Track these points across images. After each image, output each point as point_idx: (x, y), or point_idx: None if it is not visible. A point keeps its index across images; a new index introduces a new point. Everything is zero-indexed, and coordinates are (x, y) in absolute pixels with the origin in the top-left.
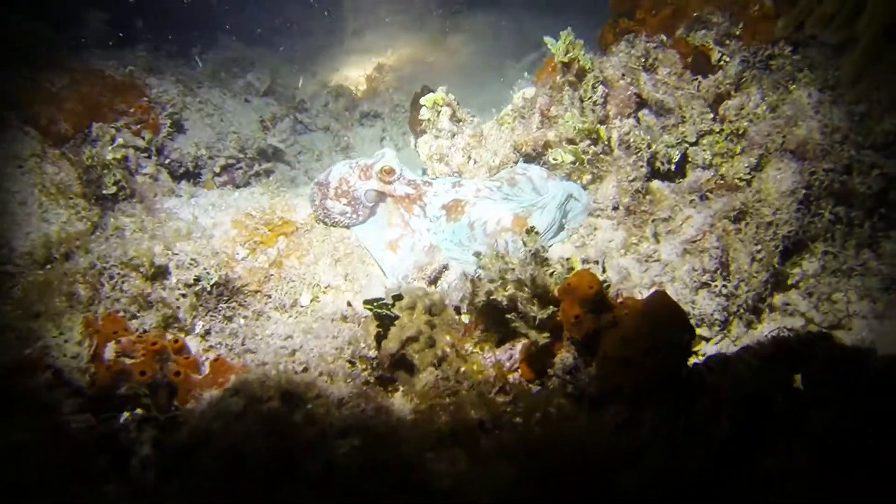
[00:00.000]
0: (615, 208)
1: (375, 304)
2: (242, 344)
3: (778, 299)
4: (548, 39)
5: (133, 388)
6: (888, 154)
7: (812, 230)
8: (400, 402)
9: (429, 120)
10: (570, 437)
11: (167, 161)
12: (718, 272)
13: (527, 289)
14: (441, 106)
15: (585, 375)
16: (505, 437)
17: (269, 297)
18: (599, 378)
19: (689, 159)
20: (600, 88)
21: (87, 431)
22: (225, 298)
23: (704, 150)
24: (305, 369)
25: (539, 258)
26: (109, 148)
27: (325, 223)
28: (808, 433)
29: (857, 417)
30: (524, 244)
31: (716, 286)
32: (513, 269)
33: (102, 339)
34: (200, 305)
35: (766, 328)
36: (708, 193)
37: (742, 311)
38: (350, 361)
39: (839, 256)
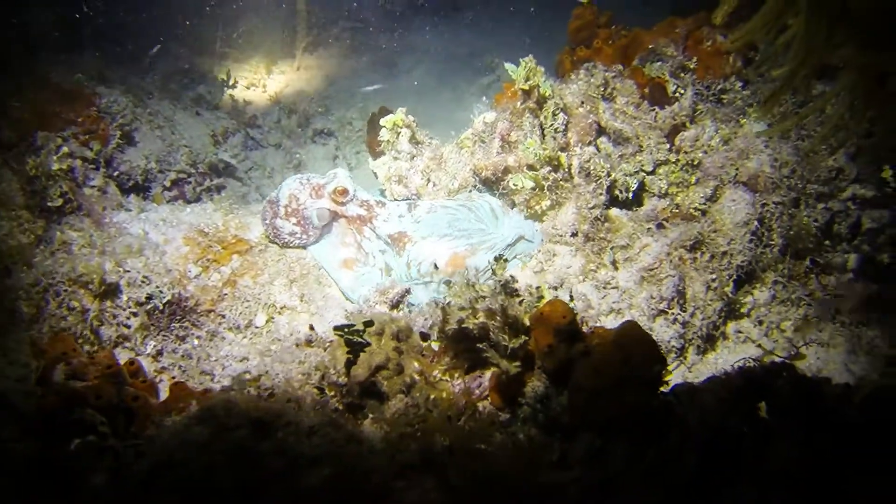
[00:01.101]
0: (574, 234)
1: (346, 330)
2: (197, 365)
3: (731, 327)
4: (508, 66)
5: (89, 415)
6: (832, 188)
7: (763, 260)
8: (370, 429)
9: (388, 141)
10: (542, 466)
11: (116, 174)
12: (675, 300)
13: (498, 318)
14: (401, 127)
15: (557, 405)
16: (474, 466)
17: (223, 316)
18: (571, 408)
19: (646, 188)
20: (561, 116)
21: (32, 458)
22: (178, 318)
23: (661, 180)
24: (271, 394)
25: (508, 288)
26: (55, 157)
27: (277, 244)
28: (770, 469)
29: (817, 449)
30: (493, 272)
31: (672, 314)
32: (484, 298)
33: (51, 360)
34: (152, 325)
35: (720, 355)
36: (664, 222)
37: (697, 338)
38: (318, 388)
39: (788, 286)
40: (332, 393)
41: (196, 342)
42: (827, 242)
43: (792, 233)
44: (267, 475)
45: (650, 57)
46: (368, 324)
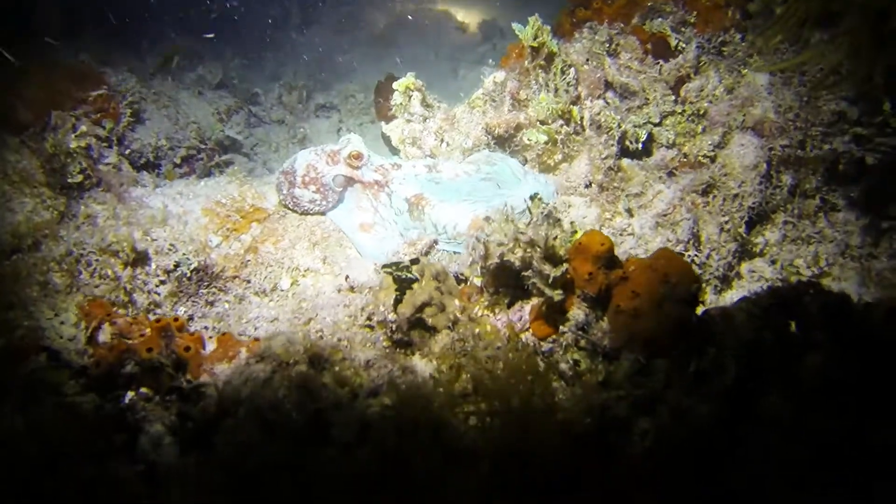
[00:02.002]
0: (587, 185)
1: (394, 267)
2: (229, 328)
3: (745, 267)
4: (515, 26)
5: (151, 360)
6: (836, 131)
7: (773, 201)
8: (420, 363)
9: (400, 105)
10: (589, 387)
11: (127, 151)
12: (691, 242)
13: (539, 248)
14: (412, 91)
15: (598, 330)
16: (525, 392)
17: (248, 282)
18: (612, 331)
19: (655, 139)
20: (571, 71)
21: (95, 412)
22: (205, 284)
23: (668, 131)
24: (321, 337)
25: (552, 218)
26: (73, 136)
27: (296, 212)
28: (803, 378)
29: (846, 358)
30: (530, 212)
31: (688, 256)
32: (525, 232)
33: (96, 321)
34: (181, 291)
35: (736, 294)
36: (674, 171)
37: (713, 278)
38: (368, 326)
39: (798, 225)
40: (382, 330)
41: (226, 306)
42: (834, 181)
43: (800, 173)
44: (332, 404)
45: (650, 14)
46: (414, 261)
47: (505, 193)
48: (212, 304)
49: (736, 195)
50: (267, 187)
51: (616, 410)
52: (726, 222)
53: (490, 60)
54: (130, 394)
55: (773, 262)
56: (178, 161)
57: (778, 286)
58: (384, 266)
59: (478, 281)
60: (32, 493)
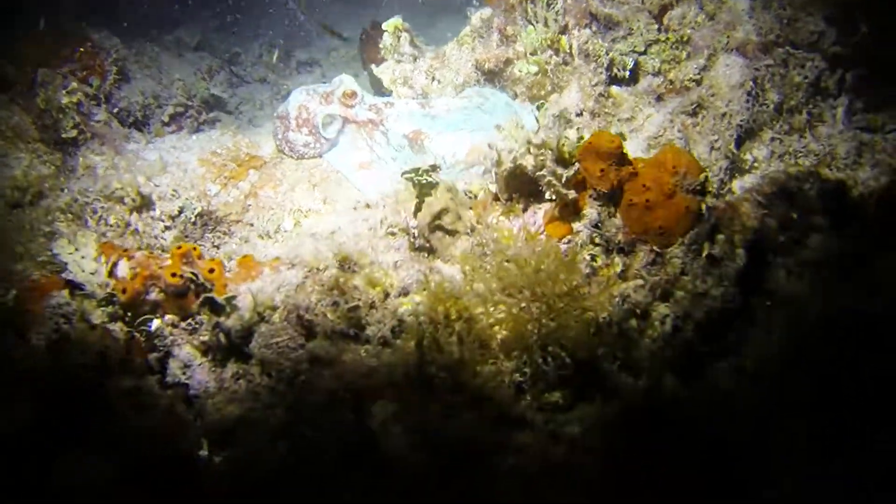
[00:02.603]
0: (579, 114)
1: (414, 172)
2: None
3: (736, 184)
4: None
5: (176, 284)
6: (817, 49)
7: (760, 119)
8: (444, 266)
9: (390, 46)
10: (608, 279)
11: (115, 110)
12: None
13: (551, 151)
14: (401, 31)
15: (611, 226)
16: (550, 287)
17: (252, 225)
18: (626, 224)
19: (641, 67)
20: (559, 1)
21: (129, 335)
22: (210, 228)
23: (653, 59)
24: (344, 245)
25: (563, 119)
26: (63, 92)
27: (292, 157)
28: (806, 258)
29: (843, 238)
30: (536, 120)
31: None
32: (537, 134)
33: (115, 256)
34: (186, 236)
35: None
36: (661, 95)
37: (708, 192)
38: (391, 233)
39: (784, 141)
40: (404, 237)
41: (234, 247)
42: (817, 97)
43: (784, 90)
44: (364, 304)
45: None
46: (433, 167)
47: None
48: (218, 247)
49: (724, 114)
50: (260, 137)
51: (635, 297)
52: (716, 140)
53: (475, 2)
54: (156, 321)
55: (764, 178)
56: (166, 119)
57: (779, 176)
58: (404, 172)
59: (489, 192)
60: (88, 397)
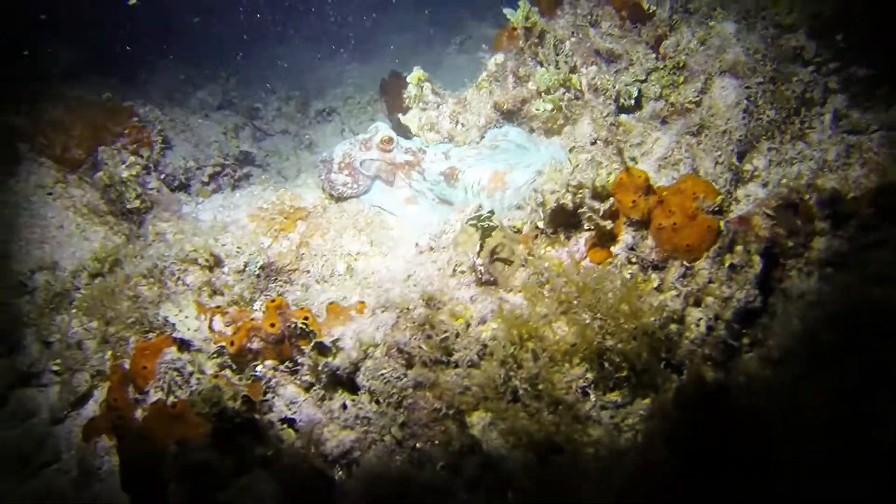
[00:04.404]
0: (593, 143)
1: (479, 219)
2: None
3: (741, 192)
4: (507, 10)
5: (275, 333)
6: (801, 63)
7: (756, 132)
8: (509, 295)
9: (414, 96)
10: (647, 292)
11: (162, 176)
12: None
13: (587, 189)
14: (423, 81)
15: (645, 247)
16: (599, 305)
17: (308, 272)
18: (657, 245)
19: (643, 94)
20: (567, 44)
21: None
22: (272, 279)
23: (654, 85)
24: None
25: (595, 162)
26: (123, 167)
27: (332, 195)
28: (812, 258)
29: (844, 239)
30: (570, 162)
31: None
32: (573, 175)
33: (209, 314)
34: (255, 288)
35: None
36: (666, 118)
37: (723, 211)
38: (460, 272)
39: (780, 150)
40: (471, 275)
41: (298, 294)
42: (804, 107)
43: (776, 104)
44: (452, 335)
45: None
46: (491, 213)
47: (525, 156)
48: (282, 294)
49: (724, 131)
50: (299, 189)
51: (672, 306)
52: (719, 156)
53: (483, 45)
54: (259, 367)
55: (765, 185)
56: (206, 179)
57: (782, 190)
58: (469, 220)
59: (533, 226)
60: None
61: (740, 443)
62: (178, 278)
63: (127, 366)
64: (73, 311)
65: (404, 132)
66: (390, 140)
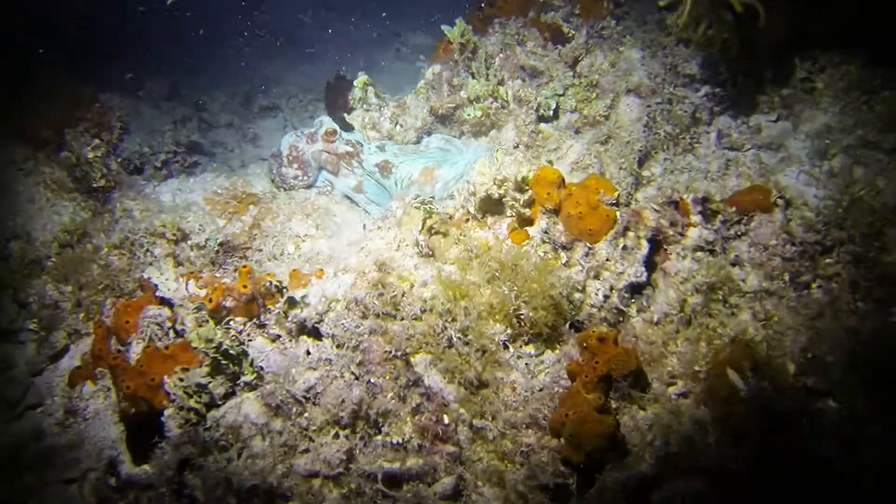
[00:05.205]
0: (516, 146)
1: (422, 203)
2: None
3: (640, 194)
4: (445, 27)
5: (248, 293)
6: (692, 88)
7: (654, 144)
8: (445, 266)
9: (359, 98)
10: (557, 268)
11: (119, 160)
12: None
13: (511, 183)
14: (368, 85)
15: (556, 231)
16: (517, 276)
17: (261, 250)
18: (566, 230)
19: (561, 107)
20: (497, 59)
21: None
22: (229, 254)
23: (570, 99)
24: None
25: (517, 161)
26: (89, 148)
27: (284, 188)
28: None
29: (711, 231)
30: (496, 158)
31: None
32: (501, 171)
33: (185, 278)
34: (212, 261)
35: None
36: (579, 129)
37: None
38: (404, 246)
39: (673, 160)
40: (414, 248)
41: (254, 268)
42: (694, 126)
43: (671, 121)
44: (399, 294)
45: (544, 8)
46: (432, 198)
47: (450, 156)
48: (238, 269)
49: (628, 142)
50: (250, 178)
51: (576, 278)
52: (623, 162)
53: (421, 56)
54: (231, 322)
55: (659, 189)
56: (158, 164)
57: (667, 190)
58: (415, 203)
59: (465, 212)
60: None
61: (622, 371)
62: (147, 250)
63: (108, 321)
64: (45, 277)
65: (348, 130)
66: (334, 132)
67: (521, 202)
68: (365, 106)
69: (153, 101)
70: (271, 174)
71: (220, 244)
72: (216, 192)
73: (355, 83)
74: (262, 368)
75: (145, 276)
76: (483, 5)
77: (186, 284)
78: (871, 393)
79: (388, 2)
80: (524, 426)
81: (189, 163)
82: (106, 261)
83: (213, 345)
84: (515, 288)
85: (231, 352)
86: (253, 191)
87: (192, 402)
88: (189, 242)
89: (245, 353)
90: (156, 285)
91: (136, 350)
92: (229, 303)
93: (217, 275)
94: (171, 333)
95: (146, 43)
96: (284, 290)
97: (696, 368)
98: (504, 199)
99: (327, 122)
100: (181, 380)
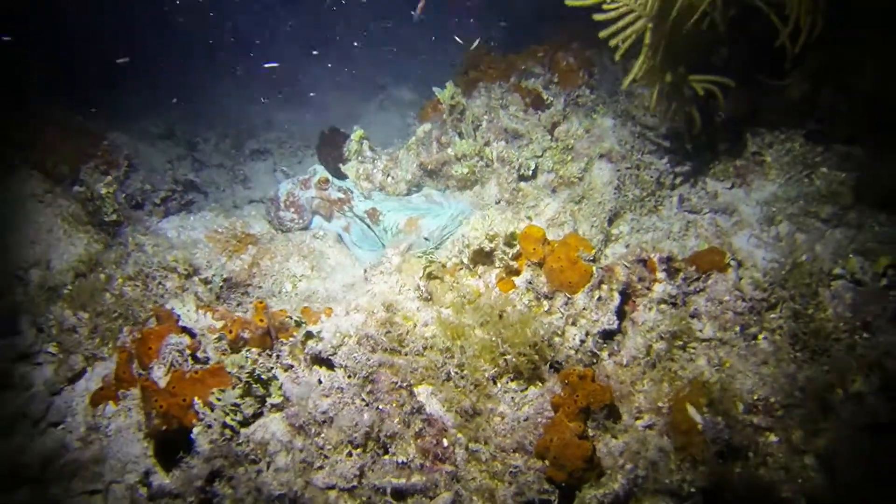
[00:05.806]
0: (498, 202)
1: (424, 253)
2: None
3: (609, 250)
4: (436, 89)
5: (265, 327)
6: (658, 156)
7: (623, 205)
8: (443, 309)
9: (354, 150)
10: (538, 314)
11: (123, 196)
12: None
13: (501, 238)
14: (363, 139)
15: (539, 283)
16: (504, 320)
17: (261, 287)
18: (549, 281)
19: (539, 167)
20: (484, 122)
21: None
22: (233, 290)
23: (548, 160)
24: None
25: (507, 220)
26: (101, 184)
27: (281, 230)
28: (653, 297)
29: (674, 286)
30: (487, 217)
31: None
32: (493, 228)
33: (203, 310)
34: (217, 296)
35: None
36: (556, 188)
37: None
38: (405, 290)
39: (640, 220)
40: (415, 292)
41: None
42: (659, 191)
43: (638, 185)
44: (404, 332)
45: (524, 75)
46: (435, 248)
47: (433, 208)
48: (240, 304)
49: (599, 202)
50: (248, 218)
51: (557, 324)
52: (595, 221)
53: (412, 113)
54: (248, 353)
55: (627, 246)
56: (158, 201)
57: (636, 249)
58: (418, 253)
59: (459, 263)
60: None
61: (599, 404)
62: (160, 282)
63: (129, 347)
64: (62, 303)
65: (339, 178)
66: (327, 181)
67: (510, 255)
68: (360, 158)
69: (150, 140)
70: (268, 216)
71: (224, 280)
72: (216, 231)
73: (352, 136)
74: (286, 393)
75: (168, 307)
76: (467, 71)
77: (205, 316)
78: (806, 429)
79: (374, 57)
80: (512, 450)
81: (185, 200)
82: (120, 291)
83: (246, 370)
84: (501, 334)
85: (263, 376)
86: (251, 231)
87: (228, 420)
88: (198, 277)
89: (275, 378)
90: (178, 315)
91: (157, 374)
92: (246, 334)
93: (229, 308)
94: (191, 360)
95: (141, 81)
96: (303, 325)
97: (660, 405)
98: (494, 252)
99: (321, 171)
100: (219, 399)
